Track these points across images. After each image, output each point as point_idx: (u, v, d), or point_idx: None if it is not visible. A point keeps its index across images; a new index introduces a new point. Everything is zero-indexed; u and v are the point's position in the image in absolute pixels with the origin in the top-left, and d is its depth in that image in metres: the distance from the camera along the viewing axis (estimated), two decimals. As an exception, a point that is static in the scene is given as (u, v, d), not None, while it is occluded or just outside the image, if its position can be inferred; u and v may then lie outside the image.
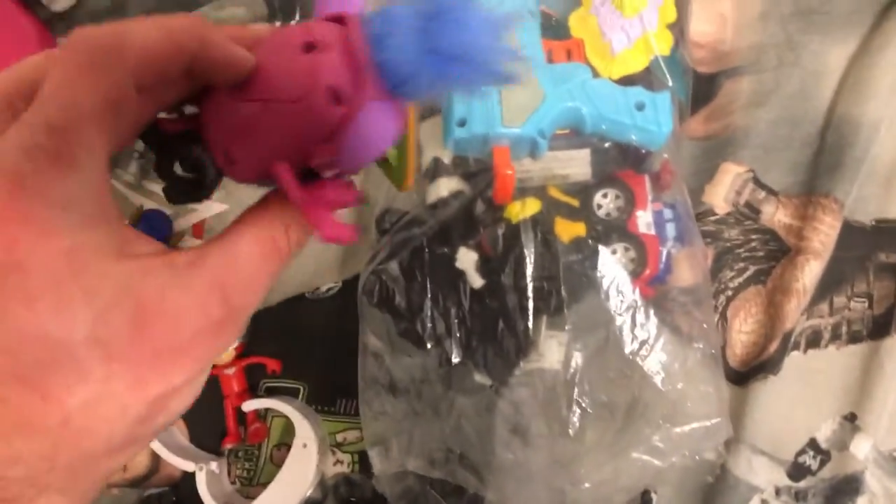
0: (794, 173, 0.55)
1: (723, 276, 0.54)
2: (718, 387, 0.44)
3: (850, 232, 0.54)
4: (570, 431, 0.41)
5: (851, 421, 0.52)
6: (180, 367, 0.21)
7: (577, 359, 0.45)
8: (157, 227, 0.56)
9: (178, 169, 0.26)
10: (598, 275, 0.44)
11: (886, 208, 0.55)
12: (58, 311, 0.19)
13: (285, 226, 0.24)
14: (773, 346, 0.52)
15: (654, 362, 0.43)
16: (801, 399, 0.53)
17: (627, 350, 0.43)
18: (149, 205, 0.57)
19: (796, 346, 0.53)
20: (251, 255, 0.23)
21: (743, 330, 0.54)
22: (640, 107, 0.45)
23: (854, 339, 0.54)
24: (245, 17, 0.62)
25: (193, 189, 0.26)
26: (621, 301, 0.44)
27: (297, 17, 0.61)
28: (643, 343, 0.43)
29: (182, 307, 0.21)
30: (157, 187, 0.58)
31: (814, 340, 0.54)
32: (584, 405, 0.41)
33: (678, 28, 0.49)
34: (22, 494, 0.20)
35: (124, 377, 0.20)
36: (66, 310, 0.19)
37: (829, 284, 0.54)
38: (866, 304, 0.54)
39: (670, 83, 0.47)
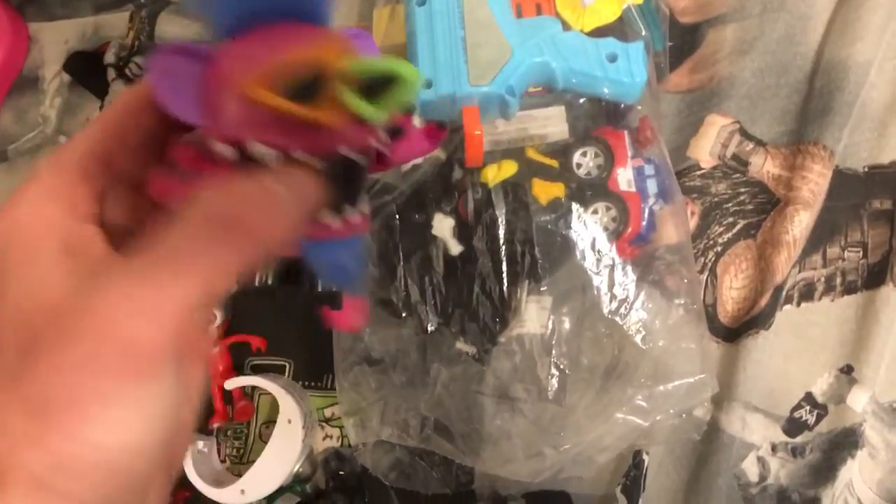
0: (782, 122, 0.54)
1: (711, 231, 0.53)
2: (702, 342, 0.43)
3: (843, 180, 0.53)
4: (549, 394, 0.40)
5: (848, 373, 0.51)
6: None
7: (560, 322, 0.44)
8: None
9: None
10: (574, 234, 0.43)
11: (879, 154, 0.53)
12: None
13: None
14: (764, 301, 0.51)
15: (634, 321, 0.41)
16: (795, 353, 0.52)
17: (606, 310, 0.42)
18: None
19: (789, 300, 0.52)
20: None
21: (734, 286, 0.52)
22: (613, 58, 0.43)
23: (849, 289, 0.52)
24: None
25: None
26: (598, 260, 0.43)
27: None
28: (622, 302, 0.42)
29: None
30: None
31: (807, 293, 0.52)
32: (562, 367, 0.40)
33: (651, -25, 0.47)
34: None
35: None
36: None
37: (821, 235, 0.52)
38: (861, 254, 0.52)
39: (644, 33, 0.45)
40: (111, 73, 0.57)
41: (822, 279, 0.53)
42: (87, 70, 0.59)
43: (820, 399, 0.51)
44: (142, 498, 0.21)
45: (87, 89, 0.59)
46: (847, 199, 0.53)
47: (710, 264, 0.53)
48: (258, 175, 0.20)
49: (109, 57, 0.58)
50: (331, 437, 0.54)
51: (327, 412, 0.54)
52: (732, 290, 0.52)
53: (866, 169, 0.53)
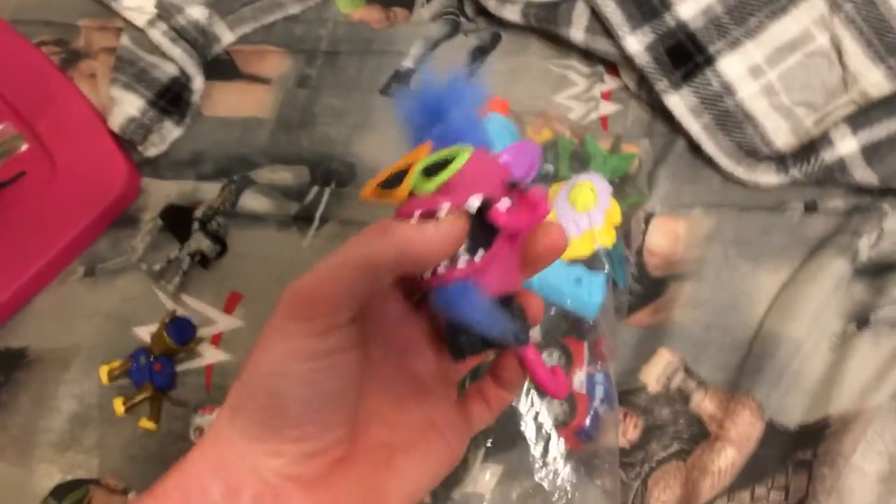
0: (721, 371, 0.64)
1: (650, 448, 0.62)
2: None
3: (775, 433, 0.61)
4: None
5: None
6: None
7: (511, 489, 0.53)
8: (183, 331, 0.66)
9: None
10: (523, 408, 0.53)
11: (808, 415, 0.62)
12: None
13: None
14: (687, 519, 0.58)
15: (559, 487, 0.50)
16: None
17: (536, 476, 0.51)
18: (180, 312, 0.69)
19: (718, 528, 0.59)
20: None
21: (660, 499, 0.60)
22: (578, 281, 0.56)
23: (768, 527, 0.59)
24: (291, 181, 0.77)
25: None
26: (538, 432, 0.52)
27: (333, 186, 0.75)
28: (551, 470, 0.51)
29: None
30: (191, 300, 0.70)
31: (733, 524, 0.60)
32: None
33: (622, 230, 0.61)
34: None
35: None
36: None
37: (752, 476, 0.60)
38: (783, 496, 0.60)
39: (607, 269, 0.58)
40: (195, 226, 0.72)
41: (748, 514, 0.60)
42: (177, 220, 0.73)
43: None
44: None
45: (172, 234, 0.73)
46: (778, 449, 0.61)
47: (643, 475, 0.61)
48: None
49: (198, 213, 0.73)
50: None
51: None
52: (659, 502, 0.60)
53: (797, 427, 0.62)
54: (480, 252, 0.31)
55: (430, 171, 0.30)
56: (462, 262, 0.30)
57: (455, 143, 0.31)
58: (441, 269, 0.31)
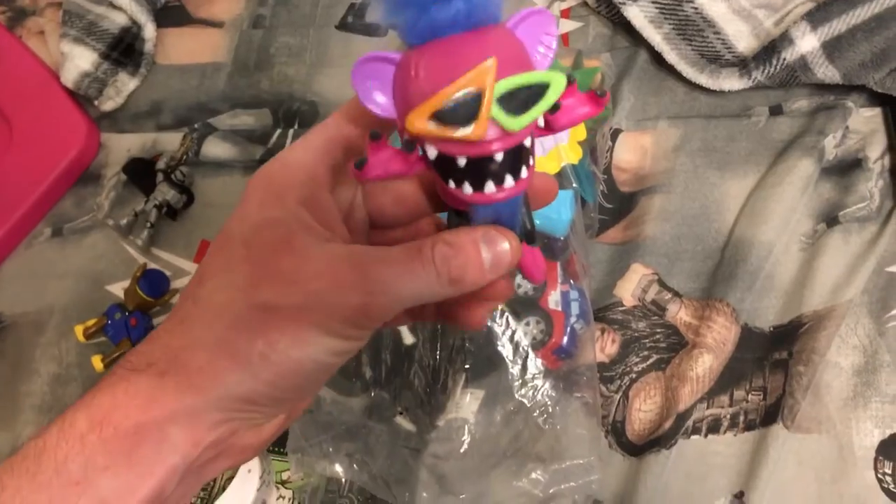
0: (695, 280, 0.65)
1: (629, 360, 0.63)
2: (592, 431, 0.52)
3: (751, 336, 0.62)
4: (461, 450, 0.49)
5: (739, 498, 0.58)
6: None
7: (494, 411, 0.53)
8: (156, 284, 0.66)
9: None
10: (498, 328, 0.53)
11: (783, 317, 0.63)
12: None
13: (432, 241, 0.28)
14: (668, 425, 0.59)
15: (539, 403, 0.51)
16: (697, 476, 0.59)
17: (517, 394, 0.51)
18: (152, 265, 0.69)
19: (697, 431, 0.60)
20: (395, 252, 0.28)
21: (642, 409, 0.61)
22: (546, 200, 0.55)
23: (749, 426, 0.60)
24: (254, 125, 0.75)
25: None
26: (515, 351, 0.53)
27: (296, 126, 0.74)
28: (532, 387, 0.51)
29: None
30: (162, 253, 0.70)
31: (714, 427, 0.61)
32: (474, 433, 0.49)
33: (588, 145, 0.60)
34: None
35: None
36: None
37: (730, 380, 0.61)
38: (761, 397, 0.61)
39: (574, 185, 0.58)
40: (159, 177, 0.71)
41: (728, 416, 0.61)
42: (140, 172, 0.72)
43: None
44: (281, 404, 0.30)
45: (137, 188, 0.72)
46: (754, 352, 0.62)
47: (624, 387, 0.62)
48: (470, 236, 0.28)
49: (160, 164, 0.72)
50: (284, 497, 0.61)
51: (284, 475, 0.62)
52: (641, 411, 0.61)
53: (771, 329, 0.63)
54: (531, 162, 0.28)
55: (506, 98, 0.25)
56: (524, 173, 0.27)
57: (476, 26, 0.25)
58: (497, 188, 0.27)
